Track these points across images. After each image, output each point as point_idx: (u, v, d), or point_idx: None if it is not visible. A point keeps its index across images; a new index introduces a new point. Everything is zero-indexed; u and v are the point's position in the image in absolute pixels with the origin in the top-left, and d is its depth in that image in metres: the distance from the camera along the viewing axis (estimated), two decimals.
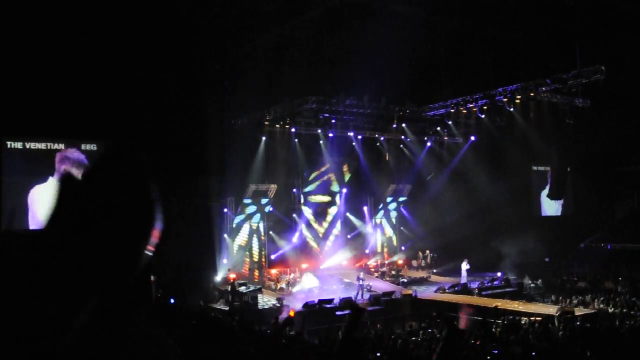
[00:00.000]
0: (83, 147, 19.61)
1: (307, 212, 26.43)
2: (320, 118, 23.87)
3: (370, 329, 16.29)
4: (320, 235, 26.76)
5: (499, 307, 17.79)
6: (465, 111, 23.64)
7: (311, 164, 25.95)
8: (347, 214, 27.57)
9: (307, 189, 26.48)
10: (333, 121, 24.16)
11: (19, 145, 18.61)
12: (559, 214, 29.83)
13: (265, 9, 19.58)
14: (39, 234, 0.88)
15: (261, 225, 24.89)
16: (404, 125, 25.45)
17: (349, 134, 25.32)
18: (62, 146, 19.28)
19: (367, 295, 20.71)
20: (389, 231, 29.36)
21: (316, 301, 19.06)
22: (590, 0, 20.06)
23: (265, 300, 20.52)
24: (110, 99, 18.28)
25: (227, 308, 19.09)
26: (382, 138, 26.87)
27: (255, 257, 24.57)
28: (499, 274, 23.78)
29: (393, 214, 29.47)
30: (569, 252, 27.10)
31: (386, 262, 27.39)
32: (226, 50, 21.19)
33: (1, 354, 0.82)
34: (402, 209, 29.34)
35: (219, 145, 21.60)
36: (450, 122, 25.19)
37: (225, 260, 22.74)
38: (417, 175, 28.42)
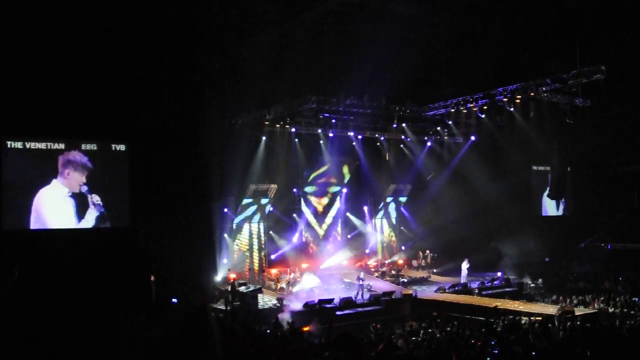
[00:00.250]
0: (83, 147, 19.59)
1: (307, 212, 26.45)
2: (320, 118, 23.87)
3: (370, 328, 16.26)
4: (320, 235, 26.77)
5: (499, 307, 17.80)
6: (465, 111, 23.62)
7: (311, 164, 25.95)
8: (347, 214, 27.58)
9: (307, 189, 26.49)
10: (333, 121, 24.16)
11: (19, 145, 18.60)
12: (560, 213, 29.83)
13: (265, 9, 19.57)
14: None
15: (261, 225, 24.90)
16: (404, 125, 25.45)
17: (349, 133, 25.32)
18: (62, 146, 19.27)
19: (367, 295, 20.72)
20: (389, 231, 29.36)
21: (316, 301, 19.07)
22: (590, 0, 20.05)
23: (266, 300, 20.54)
24: (110, 98, 18.28)
25: (227, 308, 19.08)
26: (382, 138, 26.88)
27: (256, 257, 24.58)
28: (499, 273, 23.80)
29: (393, 214, 29.47)
30: (569, 252, 27.10)
31: (386, 262, 27.40)
32: (226, 50, 21.18)
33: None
34: (402, 209, 29.34)
35: (219, 145, 21.60)
36: (450, 122, 25.18)
37: (225, 260, 22.74)
38: (417, 175, 28.42)
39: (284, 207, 25.18)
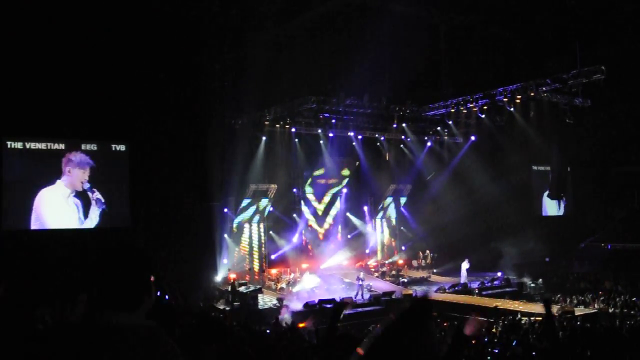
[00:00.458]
0: (83, 147, 19.60)
1: (307, 212, 26.45)
2: (320, 118, 23.87)
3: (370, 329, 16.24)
4: (320, 235, 26.77)
5: (499, 307, 17.80)
6: (465, 111, 23.63)
7: (311, 164, 25.95)
8: (347, 214, 27.58)
9: (307, 189, 26.50)
10: (333, 121, 24.16)
11: (19, 145, 18.60)
12: (560, 213, 29.82)
13: (265, 9, 19.57)
14: None
15: (261, 225, 24.90)
16: (404, 125, 25.44)
17: (349, 134, 25.32)
18: (62, 146, 19.28)
19: (367, 295, 20.71)
20: (389, 231, 29.37)
21: (316, 301, 19.07)
22: (590, 0, 20.04)
23: (266, 300, 20.54)
24: (110, 99, 18.28)
25: (227, 308, 19.09)
26: (382, 138, 26.87)
27: (256, 257, 24.58)
28: (499, 273, 23.79)
29: (393, 214, 29.47)
30: (569, 252, 27.09)
31: (386, 262, 27.40)
32: (226, 50, 21.18)
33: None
34: (402, 209, 29.34)
35: (219, 145, 21.60)
36: (450, 122, 25.18)
37: (225, 260, 22.74)
38: (417, 175, 28.41)
39: (284, 207, 25.18)
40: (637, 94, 23.14)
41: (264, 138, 23.66)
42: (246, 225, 24.56)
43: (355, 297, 20.22)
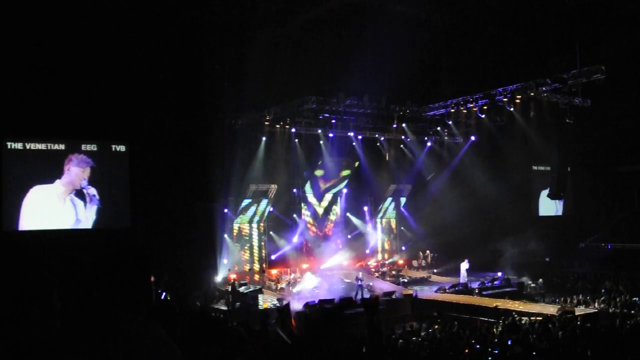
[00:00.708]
0: (83, 147, 19.61)
1: (307, 212, 26.45)
2: (320, 118, 23.86)
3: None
4: (321, 235, 26.77)
5: (499, 307, 17.81)
6: (465, 111, 23.63)
7: (311, 164, 25.95)
8: (347, 214, 27.58)
9: (307, 189, 26.50)
10: (333, 121, 24.14)
11: (19, 146, 18.60)
12: (559, 214, 29.81)
13: (265, 9, 19.58)
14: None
15: (261, 226, 24.91)
16: (404, 125, 25.43)
17: (349, 134, 25.32)
18: (62, 147, 19.28)
19: (367, 296, 20.69)
20: (389, 231, 29.36)
21: (317, 301, 19.06)
22: (590, 0, 20.04)
23: (266, 301, 20.53)
24: (110, 99, 18.28)
25: (227, 308, 19.10)
26: (382, 138, 26.87)
27: (256, 258, 24.58)
28: (499, 273, 23.78)
29: (393, 214, 29.47)
30: (569, 252, 27.09)
31: (386, 262, 27.40)
32: (226, 50, 21.18)
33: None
34: (402, 209, 29.34)
35: (219, 145, 21.60)
36: (450, 122, 25.17)
37: (225, 261, 22.74)
38: (417, 175, 28.41)
39: (284, 207, 25.18)
40: (637, 94, 23.15)
41: (264, 138, 23.65)
42: (246, 226, 24.57)
43: (355, 297, 20.20)
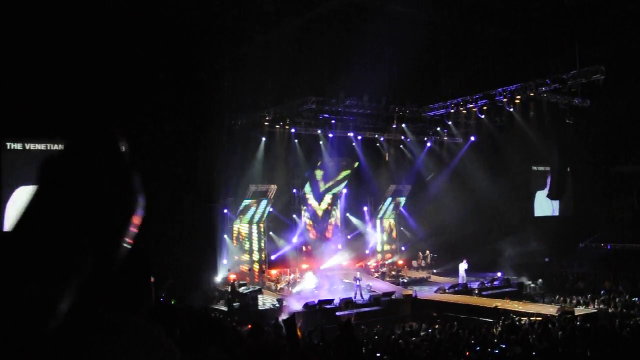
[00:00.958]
0: None
1: (307, 213, 26.44)
2: (320, 118, 23.86)
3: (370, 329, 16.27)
4: (320, 236, 26.77)
5: (499, 307, 17.82)
6: (465, 111, 23.63)
7: (311, 165, 25.95)
8: (347, 214, 27.58)
9: (306, 190, 26.50)
10: (333, 121, 24.14)
11: (18, 146, 18.59)
12: (555, 214, 29.77)
13: (266, 9, 19.57)
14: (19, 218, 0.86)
15: (261, 226, 24.90)
16: (403, 125, 25.43)
17: (348, 134, 25.32)
18: (62, 147, 19.26)
19: (367, 296, 20.70)
20: (389, 232, 29.36)
21: (316, 301, 19.07)
22: (590, 0, 20.05)
23: (266, 301, 20.54)
24: (110, 99, 18.26)
25: (226, 308, 19.11)
26: (382, 138, 26.86)
27: (256, 258, 24.58)
28: (499, 274, 23.79)
29: (393, 214, 29.47)
30: (569, 252, 27.08)
31: (386, 262, 27.39)
32: (226, 50, 21.18)
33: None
34: (402, 209, 29.35)
35: (218, 145, 21.60)
36: (450, 122, 25.17)
37: (225, 261, 22.74)
38: (417, 175, 28.41)
39: (283, 207, 25.19)
40: (637, 94, 23.14)
41: (263, 138, 23.65)
42: (246, 226, 24.57)
43: (355, 298, 20.21)
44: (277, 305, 19.32)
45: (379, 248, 28.54)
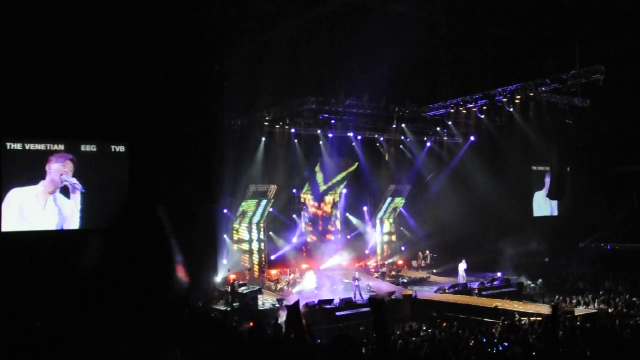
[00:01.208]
0: (82, 147, 19.58)
1: (307, 213, 26.44)
2: (320, 118, 23.86)
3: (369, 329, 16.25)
4: (320, 236, 26.77)
5: (499, 307, 17.81)
6: (465, 111, 23.63)
7: (311, 165, 25.95)
8: (347, 214, 27.58)
9: (306, 189, 26.49)
10: (333, 121, 24.14)
11: (18, 146, 18.57)
12: (554, 214, 29.77)
13: (265, 9, 19.57)
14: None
15: (261, 226, 24.90)
16: (403, 125, 25.44)
17: (348, 134, 25.31)
18: (62, 147, 19.24)
19: (366, 296, 20.69)
20: (389, 231, 29.36)
21: (316, 301, 19.06)
22: (590, 0, 20.05)
23: (266, 301, 20.54)
24: (110, 99, 18.26)
25: (227, 308, 19.11)
26: (381, 138, 26.86)
27: (255, 258, 24.58)
28: (498, 274, 23.79)
29: (393, 214, 29.47)
30: (569, 252, 27.08)
31: (386, 262, 27.39)
32: (226, 50, 21.17)
33: None
34: (402, 209, 29.35)
35: (218, 145, 21.59)
36: (450, 122, 25.17)
37: (225, 261, 22.73)
38: (417, 175, 28.41)
39: (283, 207, 25.19)
40: (637, 94, 23.14)
41: (263, 139, 23.64)
42: (246, 226, 24.57)
43: (354, 298, 20.21)
44: (277, 305, 19.32)
45: (378, 248, 28.55)
